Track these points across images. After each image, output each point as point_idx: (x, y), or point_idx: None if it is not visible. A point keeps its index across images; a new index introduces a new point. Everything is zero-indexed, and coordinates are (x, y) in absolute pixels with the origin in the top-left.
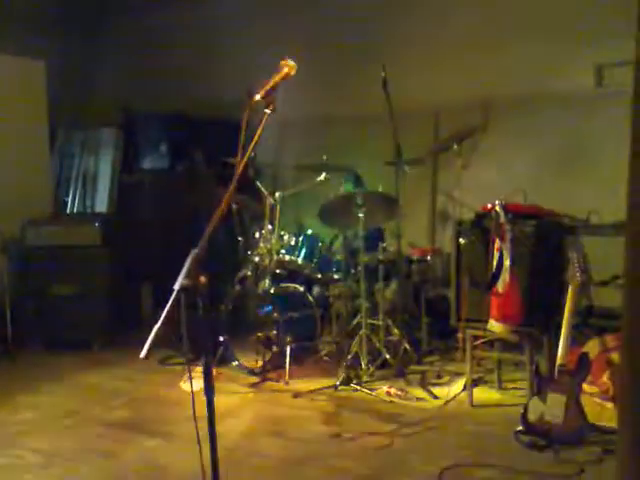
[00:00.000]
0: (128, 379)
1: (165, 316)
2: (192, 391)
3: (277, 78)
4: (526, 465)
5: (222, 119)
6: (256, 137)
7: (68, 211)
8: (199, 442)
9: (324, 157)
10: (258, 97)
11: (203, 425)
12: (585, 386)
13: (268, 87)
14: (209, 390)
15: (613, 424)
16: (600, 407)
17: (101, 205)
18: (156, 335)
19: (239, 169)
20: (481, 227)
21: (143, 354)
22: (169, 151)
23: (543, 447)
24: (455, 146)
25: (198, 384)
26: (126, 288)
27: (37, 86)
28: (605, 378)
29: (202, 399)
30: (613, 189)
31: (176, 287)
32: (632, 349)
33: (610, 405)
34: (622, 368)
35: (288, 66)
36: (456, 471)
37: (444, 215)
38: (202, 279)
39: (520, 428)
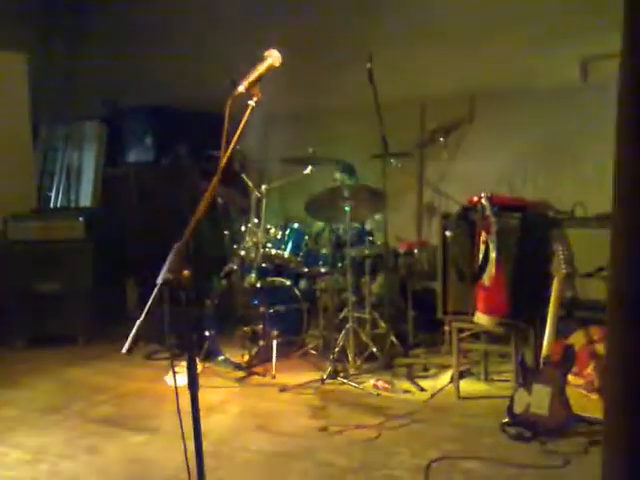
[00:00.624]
0: (113, 374)
1: (148, 311)
2: (175, 386)
3: (261, 69)
4: (512, 456)
5: (207, 111)
6: (240, 129)
7: (52, 205)
8: (183, 437)
9: (310, 150)
10: (242, 88)
11: (189, 420)
12: (570, 377)
13: (252, 78)
14: (193, 385)
15: (598, 415)
16: (585, 398)
17: (85, 199)
18: (139, 330)
19: (223, 162)
20: (467, 220)
21: (125, 349)
22: (154, 144)
23: (529, 438)
24: (441, 139)
25: (183, 379)
26: (111, 282)
27: (19, 80)
28: (590, 369)
29: (187, 394)
30: (598, 182)
31: (159, 281)
32: (615, 339)
33: (595, 396)
34: (606, 359)
35: (272, 57)
36: (443, 463)
37: (430, 208)
38: (185, 273)
39: (506, 420)
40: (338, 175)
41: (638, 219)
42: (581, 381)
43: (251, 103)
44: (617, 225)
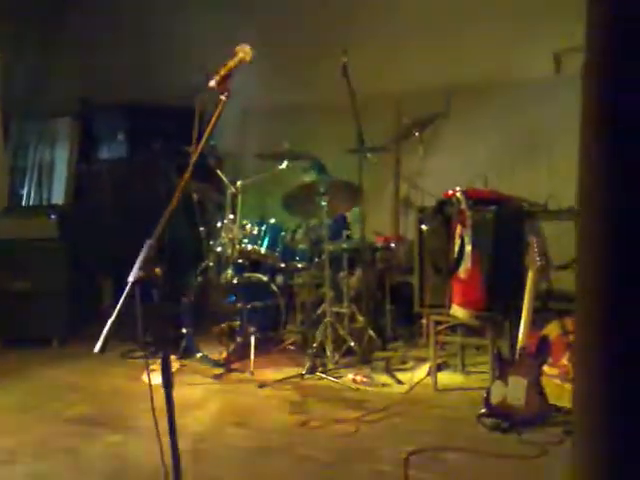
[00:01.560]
0: (88, 373)
1: (120, 309)
2: (150, 384)
3: (232, 64)
4: (490, 447)
5: (181, 107)
6: (211, 124)
7: (24, 203)
8: (158, 436)
9: (286, 145)
10: (213, 83)
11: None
12: (545, 368)
13: (223, 73)
14: (167, 383)
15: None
16: (560, 388)
17: (58, 197)
18: (111, 329)
19: (194, 157)
20: (443, 213)
21: (97, 348)
22: (127, 140)
23: (506, 429)
24: (417, 134)
25: (159, 377)
26: (85, 281)
27: None
28: (565, 360)
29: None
30: (571, 174)
31: (130, 279)
32: (584, 329)
33: (570, 386)
34: (575, 348)
35: (243, 51)
36: (422, 455)
37: (407, 202)
38: (157, 270)
39: (483, 411)
40: (307, 177)
41: (601, 206)
42: (556, 371)
43: (222, 98)
44: (582, 213)
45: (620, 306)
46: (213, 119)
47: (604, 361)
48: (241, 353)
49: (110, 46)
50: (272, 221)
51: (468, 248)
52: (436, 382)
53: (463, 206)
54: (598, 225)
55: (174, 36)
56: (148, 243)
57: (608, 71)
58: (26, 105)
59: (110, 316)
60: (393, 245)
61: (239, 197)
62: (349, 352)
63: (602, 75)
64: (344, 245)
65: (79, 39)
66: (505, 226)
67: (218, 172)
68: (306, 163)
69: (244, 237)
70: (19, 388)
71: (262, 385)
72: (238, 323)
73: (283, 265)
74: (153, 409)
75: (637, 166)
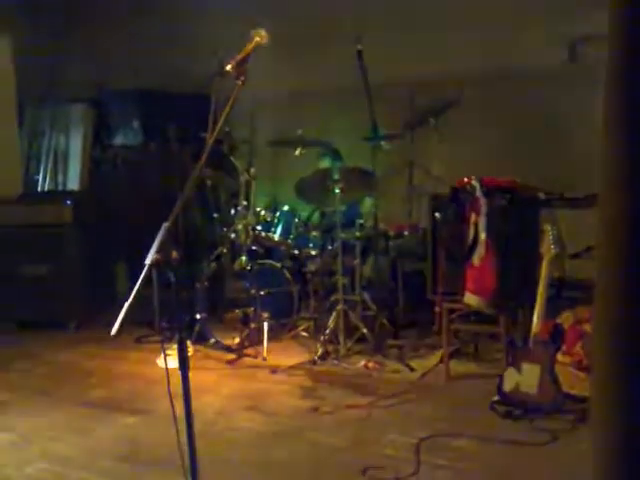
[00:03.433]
0: (104, 357)
1: (136, 292)
2: (166, 368)
3: (248, 48)
4: (502, 434)
5: (196, 93)
6: (227, 110)
7: (39, 189)
8: (175, 419)
9: (299, 131)
10: (229, 68)
11: (181, 402)
12: (559, 356)
13: (239, 58)
14: (183, 366)
15: (586, 393)
16: (573, 376)
17: (73, 183)
18: (128, 312)
19: (209, 143)
20: (457, 201)
21: (114, 331)
22: (142, 127)
23: (518, 416)
24: (431, 120)
25: (174, 361)
26: (100, 267)
27: (3, 62)
28: (578, 348)
29: (178, 376)
30: (586, 163)
31: (147, 262)
32: (602, 317)
33: (583, 374)
34: (592, 337)
35: (259, 35)
36: (433, 441)
37: (421, 190)
38: (174, 254)
39: (496, 398)
40: (323, 162)
41: (623, 205)
42: (569, 359)
43: (238, 83)
44: (603, 211)
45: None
46: (228, 105)
47: (621, 360)
48: (254, 339)
49: (126, 32)
50: (285, 208)
51: (482, 236)
52: (449, 370)
53: (478, 194)
54: (619, 226)
55: (190, 21)
56: (165, 226)
57: (633, 69)
58: (41, 91)
59: (126, 300)
60: (406, 233)
61: (253, 184)
62: (361, 339)
63: (626, 73)
64: (357, 233)
65: (94, 25)
66: (519, 214)
67: (232, 159)
68: (321, 150)
69: (257, 224)
70: (35, 372)
71: (274, 371)
72: (251, 309)
73: (296, 252)
74: (170, 393)
75: None
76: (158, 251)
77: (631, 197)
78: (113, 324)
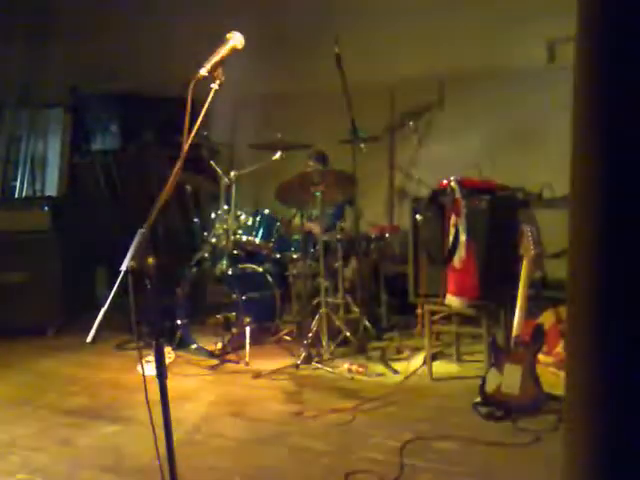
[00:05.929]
0: (84, 365)
1: (112, 299)
2: (144, 375)
3: (223, 51)
4: (485, 435)
5: (174, 97)
6: (202, 113)
7: (17, 195)
8: (153, 427)
9: (278, 135)
10: (204, 71)
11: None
12: (540, 356)
13: (214, 61)
14: (161, 374)
15: None
16: (555, 376)
17: (51, 188)
18: (103, 319)
19: (185, 147)
20: (437, 203)
21: (89, 338)
22: (120, 131)
23: (501, 417)
24: (411, 123)
25: (154, 368)
26: (79, 272)
27: None
28: (559, 348)
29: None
30: (565, 163)
31: (122, 269)
32: (577, 328)
33: (564, 374)
34: (567, 337)
35: (234, 39)
36: (417, 444)
37: (401, 192)
38: (149, 260)
39: (478, 400)
40: (312, 163)
41: (591, 208)
42: (551, 360)
43: (214, 86)
44: (573, 216)
45: (613, 304)
46: (204, 108)
47: (597, 359)
48: (236, 344)
49: (103, 36)
50: (267, 211)
51: (462, 237)
52: (431, 371)
53: (457, 195)
54: (590, 225)
55: (168, 25)
56: (140, 232)
57: (600, 65)
58: (18, 96)
59: (103, 306)
60: (387, 235)
61: (233, 188)
62: (344, 342)
63: (594, 69)
64: (338, 235)
65: (71, 29)
66: (499, 215)
67: (212, 163)
68: (308, 153)
69: (239, 228)
70: (14, 379)
71: (257, 375)
72: (233, 314)
73: (278, 256)
74: (147, 401)
75: (631, 166)
76: (133, 257)
77: (600, 195)
78: (91, 331)
